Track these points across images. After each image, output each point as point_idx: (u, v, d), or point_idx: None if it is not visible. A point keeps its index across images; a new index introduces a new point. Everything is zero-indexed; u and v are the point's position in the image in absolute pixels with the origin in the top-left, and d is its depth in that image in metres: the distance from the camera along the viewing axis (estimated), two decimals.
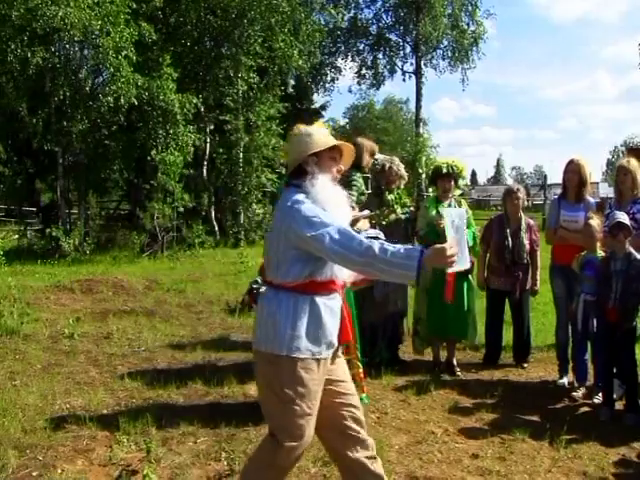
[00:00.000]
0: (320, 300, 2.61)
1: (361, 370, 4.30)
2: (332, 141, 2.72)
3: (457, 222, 2.79)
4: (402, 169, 5.61)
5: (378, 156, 5.77)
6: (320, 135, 2.73)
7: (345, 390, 2.78)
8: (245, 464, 2.88)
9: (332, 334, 2.65)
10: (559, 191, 5.50)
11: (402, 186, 5.72)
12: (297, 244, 2.55)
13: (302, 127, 2.81)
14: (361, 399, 4.20)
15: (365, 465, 2.74)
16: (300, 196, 2.60)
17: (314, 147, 2.67)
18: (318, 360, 2.60)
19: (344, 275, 2.73)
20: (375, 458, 2.79)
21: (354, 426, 2.73)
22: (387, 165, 5.47)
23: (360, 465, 2.73)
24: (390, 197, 5.51)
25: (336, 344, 2.70)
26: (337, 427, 2.73)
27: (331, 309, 2.65)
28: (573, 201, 5.16)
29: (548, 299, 5.79)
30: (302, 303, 2.58)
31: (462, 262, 2.64)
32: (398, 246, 2.47)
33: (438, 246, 2.45)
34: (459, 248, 2.57)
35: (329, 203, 2.61)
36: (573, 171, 5.14)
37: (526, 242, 5.47)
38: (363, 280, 3.04)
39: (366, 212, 4.75)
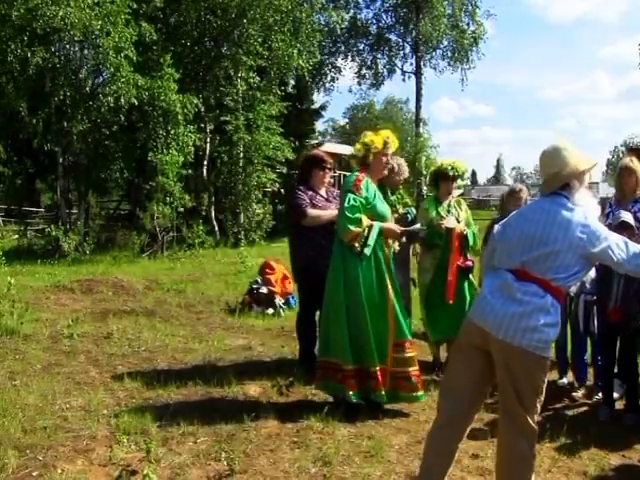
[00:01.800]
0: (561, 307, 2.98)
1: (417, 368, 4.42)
2: (593, 159, 3.05)
3: None
4: (406, 170, 5.63)
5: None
6: (578, 152, 3.00)
7: None
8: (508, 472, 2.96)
9: None
10: None
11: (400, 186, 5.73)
12: (586, 254, 2.83)
13: (559, 144, 3.02)
14: (420, 397, 4.36)
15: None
16: (583, 210, 2.88)
17: (586, 166, 2.97)
18: None
19: None
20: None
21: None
22: (397, 167, 5.48)
23: None
24: (393, 198, 5.51)
25: None
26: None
27: None
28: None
29: None
30: (559, 313, 2.92)
31: None
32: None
33: None
34: None
35: (593, 212, 2.94)
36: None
37: None
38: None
39: (423, 227, 4.96)
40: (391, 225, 4.49)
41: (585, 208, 2.91)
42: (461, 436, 3.04)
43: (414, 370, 4.36)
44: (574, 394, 4.85)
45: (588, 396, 4.83)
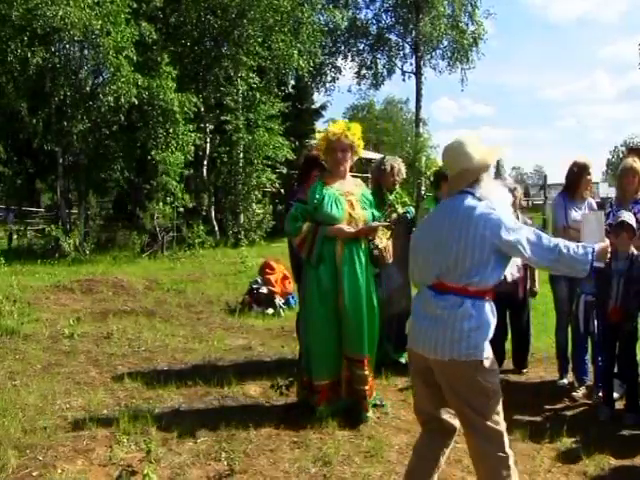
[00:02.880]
0: (492, 304, 2.83)
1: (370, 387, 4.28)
2: (499, 148, 3.06)
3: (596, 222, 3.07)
4: (403, 171, 5.62)
5: (386, 158, 5.82)
6: (483, 145, 2.93)
7: None
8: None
9: None
10: (557, 192, 5.48)
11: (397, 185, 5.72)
12: (498, 248, 2.71)
13: (462, 138, 2.92)
14: (367, 417, 4.20)
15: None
16: (484, 202, 2.77)
17: (494, 158, 2.94)
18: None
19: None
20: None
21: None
22: (396, 167, 5.48)
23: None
24: (391, 197, 5.51)
25: None
26: None
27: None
28: (579, 201, 5.13)
29: (548, 299, 5.78)
30: (489, 310, 2.78)
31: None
32: (572, 243, 2.75)
33: (603, 244, 2.83)
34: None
35: (503, 204, 2.85)
36: (590, 174, 5.13)
37: None
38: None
39: (382, 222, 4.51)
40: (341, 226, 4.13)
41: (492, 200, 2.79)
42: (444, 444, 3.00)
43: (365, 389, 4.18)
44: (574, 394, 4.85)
45: (588, 396, 4.82)
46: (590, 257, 2.70)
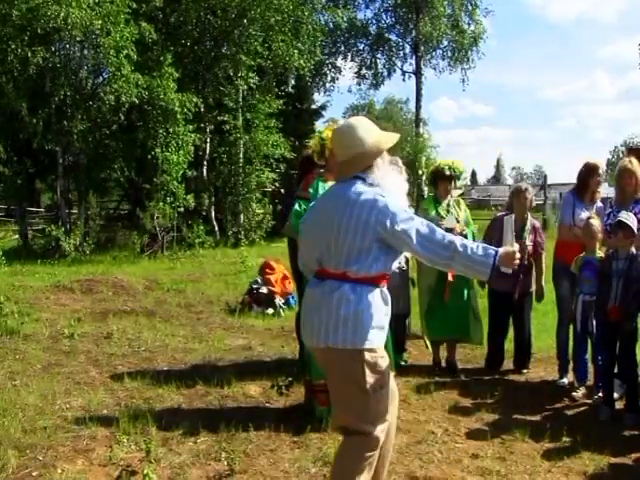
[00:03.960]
0: (384, 291, 2.71)
1: None
2: (395, 134, 2.84)
3: (511, 228, 2.90)
4: (403, 170, 5.61)
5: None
6: (377, 129, 2.80)
7: None
8: (334, 473, 2.81)
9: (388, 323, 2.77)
10: (557, 192, 5.50)
11: None
12: (382, 237, 2.60)
13: (354, 121, 2.81)
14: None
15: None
16: (375, 189, 2.65)
17: (389, 143, 2.76)
18: (383, 347, 2.72)
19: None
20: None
21: None
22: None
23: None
24: None
25: None
26: None
27: (389, 299, 2.75)
28: (588, 203, 5.16)
29: (548, 299, 5.78)
30: (375, 296, 2.64)
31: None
32: (475, 243, 2.67)
33: (509, 249, 2.68)
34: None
35: (396, 192, 2.73)
36: (599, 175, 5.17)
37: (529, 243, 5.38)
38: None
39: None
40: None
41: (386, 188, 2.68)
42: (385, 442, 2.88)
43: None
44: (574, 394, 4.85)
45: (588, 396, 4.83)
46: (492, 260, 2.58)
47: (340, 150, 2.79)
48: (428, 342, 5.58)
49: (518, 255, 2.70)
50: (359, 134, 2.71)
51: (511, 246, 2.73)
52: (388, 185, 2.70)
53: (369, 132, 2.74)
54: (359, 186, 2.66)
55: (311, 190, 4.19)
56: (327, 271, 2.67)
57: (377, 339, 2.64)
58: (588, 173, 5.17)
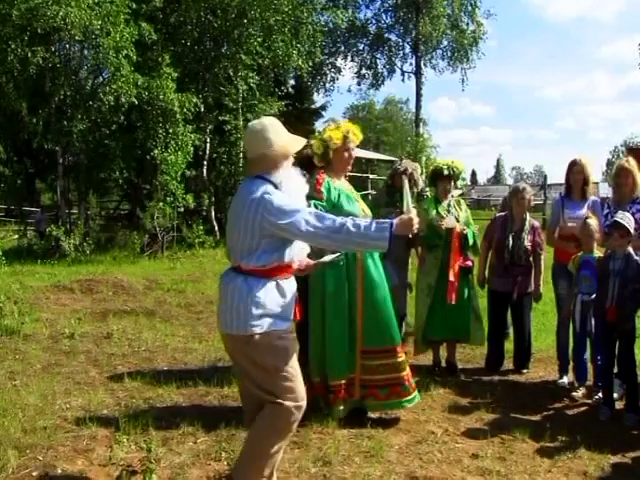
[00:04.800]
0: (282, 282, 2.89)
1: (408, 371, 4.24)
2: (303, 139, 2.98)
3: (409, 198, 2.96)
4: (420, 179, 5.65)
5: (405, 161, 6.04)
6: (287, 133, 2.95)
7: None
8: (249, 439, 2.99)
9: (291, 311, 2.97)
10: (557, 192, 5.52)
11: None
12: (271, 232, 2.77)
13: (266, 122, 2.96)
14: (414, 398, 4.20)
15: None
16: (268, 187, 2.80)
17: (296, 148, 2.93)
18: (287, 331, 2.92)
19: (302, 257, 3.05)
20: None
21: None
22: (409, 170, 5.53)
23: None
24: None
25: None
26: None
27: (291, 289, 2.94)
28: (577, 200, 5.17)
29: (548, 299, 5.78)
30: (270, 286, 2.84)
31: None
32: (365, 220, 2.79)
33: (404, 216, 2.81)
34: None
35: (294, 190, 2.88)
36: (579, 172, 5.14)
37: (527, 243, 5.35)
38: (308, 267, 3.24)
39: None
40: None
41: (288, 189, 2.82)
42: None
43: (389, 377, 4.12)
44: (574, 394, 4.85)
45: (588, 396, 4.83)
46: (387, 233, 2.71)
47: (249, 148, 2.96)
48: (419, 343, 5.53)
49: (416, 220, 2.81)
50: (268, 135, 2.87)
51: (408, 212, 2.85)
52: (289, 186, 2.85)
53: (278, 134, 2.89)
54: (257, 185, 2.82)
55: (323, 190, 4.17)
56: (233, 264, 2.92)
57: (269, 324, 2.82)
58: (568, 169, 5.23)
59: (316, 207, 4.13)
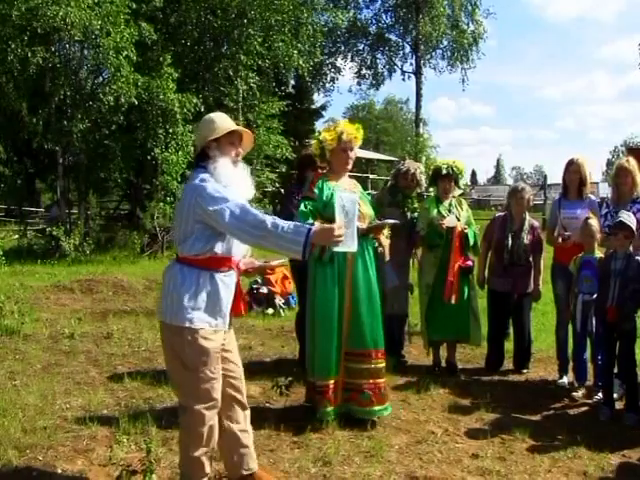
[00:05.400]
0: (218, 276, 2.91)
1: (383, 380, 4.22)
2: (231, 127, 3.01)
3: (348, 206, 2.94)
4: (422, 177, 5.62)
5: (407, 161, 6.05)
6: (221, 121, 3.01)
7: (231, 359, 3.11)
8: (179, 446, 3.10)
9: (227, 308, 2.97)
10: (557, 192, 5.53)
11: (415, 192, 5.74)
12: (202, 218, 2.83)
13: (209, 115, 3.11)
14: (386, 409, 4.18)
15: (236, 435, 3.11)
16: (205, 175, 2.90)
17: (215, 133, 2.96)
18: (216, 331, 2.93)
19: (240, 253, 3.06)
20: (246, 431, 3.15)
21: (232, 393, 3.09)
22: (411, 170, 5.51)
23: (231, 434, 3.10)
24: (407, 201, 5.54)
25: (228, 317, 3.01)
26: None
27: (227, 285, 2.96)
28: (574, 200, 5.17)
29: (548, 299, 5.78)
30: (203, 278, 2.87)
31: (349, 244, 3.08)
32: (290, 222, 2.78)
33: (326, 225, 2.80)
34: (348, 231, 2.89)
35: (230, 182, 2.91)
36: (575, 171, 5.15)
37: (526, 243, 5.38)
38: (254, 269, 3.34)
39: (390, 220, 4.50)
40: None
41: (222, 177, 2.88)
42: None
43: (368, 383, 4.10)
44: (574, 394, 4.85)
45: (588, 396, 4.83)
46: (302, 238, 2.68)
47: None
48: (426, 344, 5.56)
49: (340, 232, 2.77)
50: (198, 128, 3.08)
51: (339, 225, 2.82)
52: (222, 174, 2.90)
53: (205, 127, 3.01)
54: (197, 173, 2.94)
55: (316, 190, 4.19)
56: (176, 252, 3.01)
57: (199, 320, 2.85)
58: (564, 169, 5.25)
59: (306, 207, 4.18)
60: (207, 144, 2.96)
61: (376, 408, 4.12)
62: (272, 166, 18.25)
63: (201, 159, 2.99)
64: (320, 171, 4.51)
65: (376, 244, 4.37)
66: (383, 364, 4.19)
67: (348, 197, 3.11)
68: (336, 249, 2.80)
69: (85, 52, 14.78)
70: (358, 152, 4.48)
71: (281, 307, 7.99)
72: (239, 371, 3.16)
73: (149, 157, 14.92)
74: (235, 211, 2.75)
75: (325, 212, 4.11)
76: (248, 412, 3.20)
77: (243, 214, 2.75)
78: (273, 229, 2.71)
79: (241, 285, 3.14)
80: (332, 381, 4.11)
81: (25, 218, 18.85)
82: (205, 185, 2.83)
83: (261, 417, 4.15)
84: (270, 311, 7.90)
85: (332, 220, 4.06)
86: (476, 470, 3.55)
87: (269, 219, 2.74)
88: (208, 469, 3.00)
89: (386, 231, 4.51)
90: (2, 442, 3.68)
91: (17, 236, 16.47)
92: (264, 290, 8.09)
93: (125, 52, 13.72)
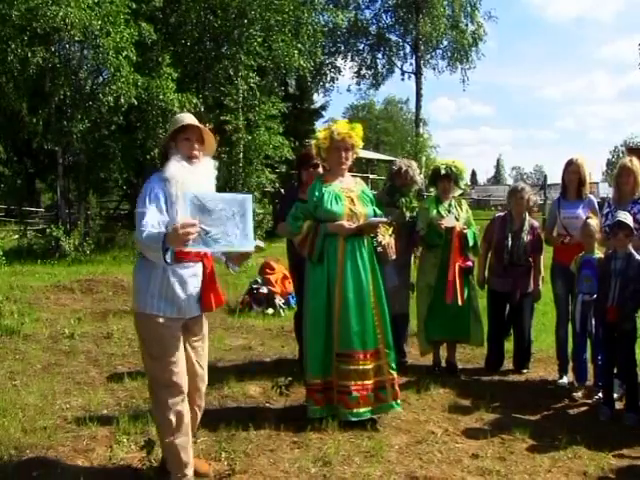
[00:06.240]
0: (169, 268, 2.99)
1: (394, 376, 4.22)
2: (185, 122, 3.10)
3: (211, 205, 2.90)
4: (417, 175, 5.61)
5: (398, 160, 5.99)
6: (181, 119, 3.13)
7: (195, 345, 3.26)
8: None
9: (185, 298, 3.07)
10: (557, 192, 5.53)
11: (412, 191, 5.73)
12: None
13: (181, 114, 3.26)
14: (392, 405, 4.18)
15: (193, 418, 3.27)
16: (156, 175, 3.01)
17: (171, 129, 3.10)
18: (175, 319, 3.06)
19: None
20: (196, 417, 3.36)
21: (197, 382, 3.26)
22: (403, 168, 5.50)
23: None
24: (402, 200, 5.53)
25: (193, 307, 3.13)
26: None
27: (180, 276, 3.05)
28: (573, 200, 5.17)
29: (548, 299, 5.78)
30: (156, 269, 3.00)
31: (233, 243, 2.93)
32: (160, 230, 2.83)
33: (170, 227, 2.82)
34: (218, 230, 2.86)
35: (177, 178, 2.97)
36: (574, 171, 5.15)
37: (526, 243, 5.38)
38: (237, 259, 3.35)
39: (376, 219, 4.38)
40: (342, 222, 4.10)
41: (172, 177, 2.96)
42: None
43: (355, 384, 4.07)
44: (574, 394, 4.85)
45: (588, 396, 4.83)
46: (159, 244, 2.76)
47: None
48: (422, 343, 5.53)
49: (189, 230, 2.70)
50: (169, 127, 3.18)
51: (187, 222, 2.74)
52: (169, 171, 2.99)
53: (173, 124, 3.13)
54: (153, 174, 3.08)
55: (308, 192, 4.22)
56: None
57: (152, 306, 3.02)
58: (563, 169, 5.25)
59: (295, 209, 4.23)
60: (167, 144, 3.11)
61: (362, 410, 4.09)
62: (272, 166, 18.24)
63: (165, 159, 3.09)
64: (320, 171, 4.51)
65: (375, 244, 4.35)
66: (371, 365, 4.14)
67: (212, 195, 2.92)
68: (219, 249, 2.93)
69: (85, 52, 14.78)
70: (358, 152, 4.46)
71: (281, 307, 7.99)
72: (204, 361, 3.33)
73: (149, 157, 14.91)
74: (139, 216, 2.87)
75: (316, 213, 4.15)
76: (201, 404, 3.39)
77: (139, 221, 2.85)
78: (140, 238, 2.83)
79: (216, 279, 3.21)
80: (319, 381, 4.12)
81: (25, 218, 18.86)
82: (145, 186, 2.98)
83: (261, 417, 4.16)
84: (270, 311, 7.90)
85: (322, 221, 4.11)
86: (476, 470, 3.55)
87: (147, 228, 2.81)
88: (186, 457, 3.09)
89: (383, 229, 4.47)
90: (2, 442, 3.68)
91: (17, 236, 16.47)
92: (264, 290, 8.09)
93: (125, 52, 13.71)
